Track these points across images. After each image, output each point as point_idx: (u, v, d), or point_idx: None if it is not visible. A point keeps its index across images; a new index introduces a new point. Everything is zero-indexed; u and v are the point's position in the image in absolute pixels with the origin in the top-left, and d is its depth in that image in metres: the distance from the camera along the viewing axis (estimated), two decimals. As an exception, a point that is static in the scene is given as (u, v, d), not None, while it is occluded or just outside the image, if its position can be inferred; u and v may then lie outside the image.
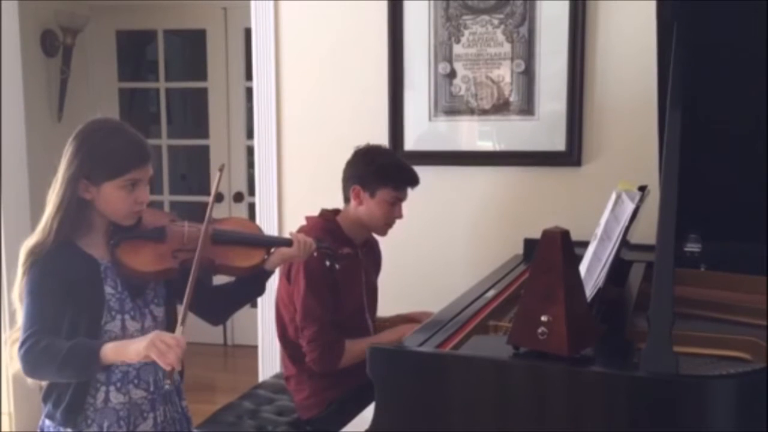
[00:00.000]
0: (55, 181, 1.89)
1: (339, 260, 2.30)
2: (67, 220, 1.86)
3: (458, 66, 3.13)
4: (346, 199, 2.61)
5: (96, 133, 1.91)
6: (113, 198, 1.89)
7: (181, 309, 1.90)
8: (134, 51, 5.61)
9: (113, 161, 1.88)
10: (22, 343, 1.79)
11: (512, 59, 3.08)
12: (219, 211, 5.08)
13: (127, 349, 1.78)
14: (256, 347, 3.51)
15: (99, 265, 1.92)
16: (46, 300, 1.83)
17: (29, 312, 1.83)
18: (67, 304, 1.85)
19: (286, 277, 2.52)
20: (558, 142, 3.06)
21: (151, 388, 1.99)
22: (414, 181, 2.58)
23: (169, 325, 2.05)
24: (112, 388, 1.93)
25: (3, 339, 2.05)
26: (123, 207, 1.91)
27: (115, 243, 1.92)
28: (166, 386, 1.81)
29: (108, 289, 1.91)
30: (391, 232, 2.64)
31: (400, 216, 2.59)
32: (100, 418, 1.93)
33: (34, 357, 1.79)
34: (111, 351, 1.78)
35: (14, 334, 1.93)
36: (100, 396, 1.92)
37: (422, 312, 2.62)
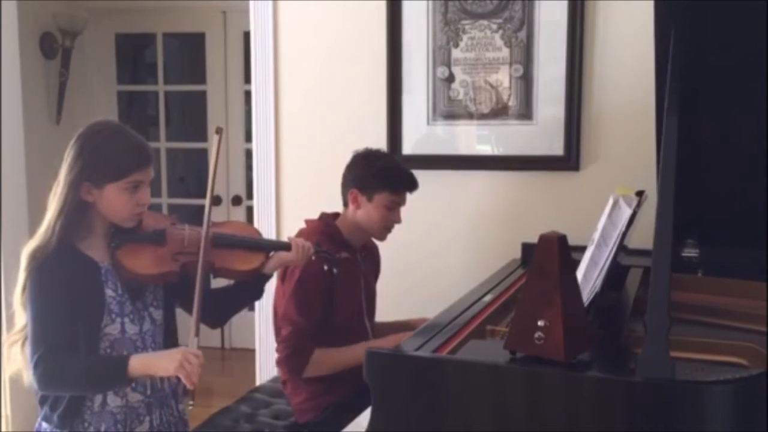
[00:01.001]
0: (57, 184, 1.89)
1: (337, 264, 2.30)
2: (70, 223, 1.86)
3: (457, 70, 3.14)
4: (345, 203, 2.60)
5: (98, 135, 1.92)
6: (115, 200, 1.89)
7: (191, 319, 1.91)
8: (133, 54, 5.61)
9: (116, 163, 1.88)
10: (37, 363, 1.80)
11: (511, 64, 3.08)
12: (217, 215, 5.07)
13: (155, 366, 1.84)
14: (253, 351, 3.51)
15: (100, 268, 1.92)
16: (50, 310, 1.84)
17: (36, 326, 1.83)
18: (69, 307, 1.85)
19: (281, 278, 2.52)
20: (556, 147, 3.06)
21: (148, 392, 1.99)
22: (412, 185, 2.57)
23: (168, 329, 2.05)
24: (109, 391, 1.93)
25: (2, 341, 2.05)
26: (125, 209, 1.91)
27: (116, 245, 1.92)
28: (190, 407, 1.89)
29: (108, 292, 1.92)
30: (389, 235, 2.63)
31: (398, 221, 2.59)
32: (98, 421, 1.93)
33: (52, 378, 1.82)
34: (139, 366, 1.83)
35: (12, 336, 1.93)
36: (98, 399, 1.92)
37: (419, 319, 2.61)
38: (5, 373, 2.09)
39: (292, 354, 2.47)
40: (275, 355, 2.55)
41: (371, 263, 2.74)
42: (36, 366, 1.81)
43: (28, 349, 1.84)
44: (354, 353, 2.43)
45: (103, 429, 1.93)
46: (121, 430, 1.95)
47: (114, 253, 1.92)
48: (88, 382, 1.86)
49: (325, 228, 2.55)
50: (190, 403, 1.87)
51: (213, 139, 1.99)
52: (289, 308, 2.46)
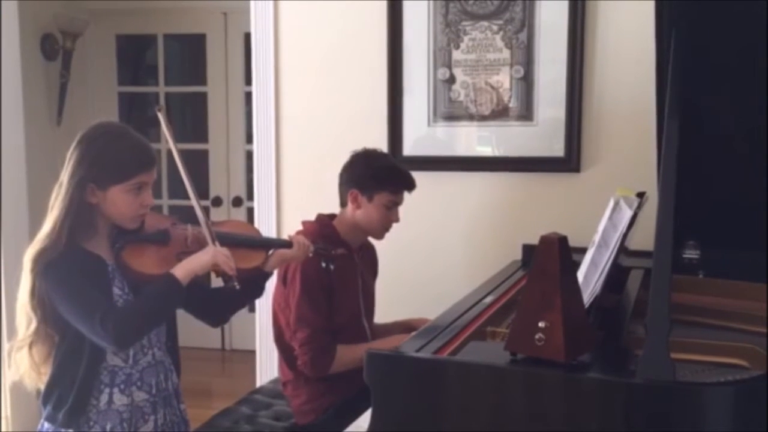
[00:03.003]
0: (59, 186, 1.89)
1: (334, 261, 2.30)
2: (75, 225, 1.86)
3: (457, 72, 3.14)
4: (343, 203, 2.61)
5: (102, 137, 1.92)
6: (119, 202, 1.90)
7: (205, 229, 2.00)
8: (134, 55, 5.60)
9: (120, 165, 1.89)
10: (103, 323, 1.79)
11: (511, 65, 3.08)
12: (217, 215, 5.08)
13: (195, 265, 1.91)
14: (253, 352, 3.51)
15: (107, 266, 1.93)
16: (87, 287, 1.84)
17: (83, 300, 1.83)
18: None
19: (282, 280, 2.52)
20: (557, 149, 3.06)
21: (153, 391, 2.00)
22: (411, 185, 2.58)
23: (170, 329, 2.06)
24: (115, 390, 1.94)
25: (2, 343, 2.05)
26: (129, 210, 1.92)
27: (120, 246, 1.93)
28: (237, 287, 1.96)
29: (115, 290, 1.92)
30: (388, 237, 2.64)
31: (397, 220, 2.59)
32: (103, 420, 1.93)
33: (127, 324, 1.83)
34: (183, 273, 1.89)
35: (19, 342, 1.92)
36: (104, 398, 1.93)
37: (420, 319, 2.61)
38: (6, 377, 2.09)
39: (317, 354, 2.45)
40: (297, 361, 2.50)
41: (369, 263, 2.74)
42: (104, 326, 1.78)
43: (92, 328, 1.82)
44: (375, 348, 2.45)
45: (108, 428, 1.93)
46: (126, 429, 1.95)
47: (118, 253, 1.92)
48: (157, 309, 1.90)
49: (322, 229, 2.55)
50: (236, 284, 1.95)
51: (160, 118, 2.07)
52: (304, 308, 2.44)
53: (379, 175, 2.54)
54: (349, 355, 2.46)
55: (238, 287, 1.96)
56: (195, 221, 2.05)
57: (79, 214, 1.87)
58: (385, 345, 2.44)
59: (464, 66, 3.13)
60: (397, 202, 2.58)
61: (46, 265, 1.84)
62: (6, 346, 1.96)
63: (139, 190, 1.91)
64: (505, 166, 3.14)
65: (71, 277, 1.84)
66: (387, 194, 2.53)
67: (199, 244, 1.99)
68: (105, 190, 1.88)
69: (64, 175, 1.88)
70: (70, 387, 1.90)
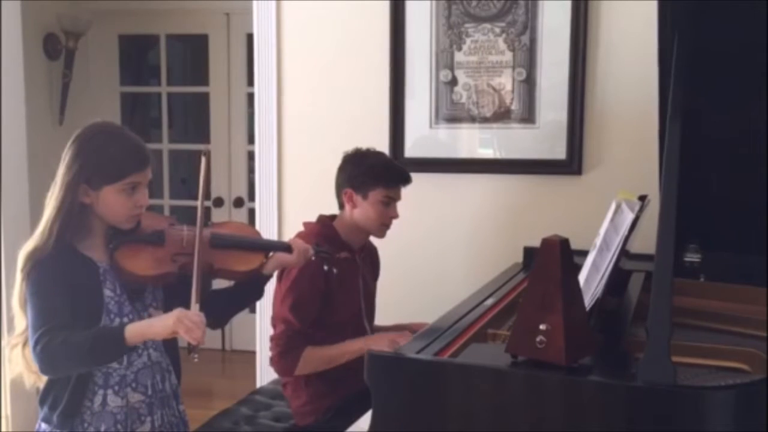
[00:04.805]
0: (54, 185, 1.89)
1: (336, 264, 2.30)
2: (67, 225, 1.86)
3: (459, 73, 3.14)
4: (340, 206, 2.61)
5: (95, 137, 1.92)
6: (113, 202, 1.89)
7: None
8: (136, 55, 5.61)
9: (113, 165, 1.88)
10: (37, 341, 1.76)
11: (513, 67, 3.08)
12: (219, 217, 5.08)
13: (152, 328, 1.80)
14: (254, 353, 3.51)
15: (98, 268, 1.92)
16: (54, 298, 1.82)
17: (39, 310, 1.81)
18: (69, 303, 1.84)
19: (279, 278, 2.52)
20: (558, 151, 3.06)
21: (149, 392, 1.99)
22: (404, 179, 2.57)
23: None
24: (110, 391, 1.93)
25: (2, 343, 2.04)
26: (122, 211, 1.91)
27: (115, 247, 1.92)
28: (195, 359, 1.86)
29: (107, 292, 1.91)
30: (390, 238, 2.63)
31: (395, 216, 2.59)
32: (98, 421, 1.93)
33: (53, 352, 1.76)
34: (136, 333, 1.77)
35: (14, 339, 1.93)
36: (98, 399, 1.92)
37: (420, 323, 2.61)
38: (5, 374, 2.09)
39: (283, 353, 2.48)
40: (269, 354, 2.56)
41: (370, 265, 2.74)
42: (35, 346, 1.76)
43: (30, 341, 1.80)
44: (342, 349, 2.45)
45: (103, 429, 1.93)
46: (121, 431, 1.95)
47: (113, 254, 1.92)
48: (88, 354, 1.78)
49: (323, 230, 2.55)
50: (195, 357, 1.84)
51: (201, 161, 1.99)
52: (283, 308, 2.47)
53: (372, 172, 2.54)
54: (317, 355, 2.47)
55: (196, 360, 1.85)
56: (194, 222, 2.04)
57: (71, 214, 1.86)
58: (355, 345, 2.44)
59: (466, 68, 3.13)
60: (393, 198, 2.57)
61: (32, 268, 1.84)
62: (8, 346, 1.95)
63: (132, 190, 1.90)
64: (506, 168, 3.14)
65: (47, 283, 1.82)
66: (381, 189, 2.53)
67: (194, 247, 1.97)
68: (98, 190, 1.88)
69: (58, 175, 1.88)
70: (65, 388, 1.89)
